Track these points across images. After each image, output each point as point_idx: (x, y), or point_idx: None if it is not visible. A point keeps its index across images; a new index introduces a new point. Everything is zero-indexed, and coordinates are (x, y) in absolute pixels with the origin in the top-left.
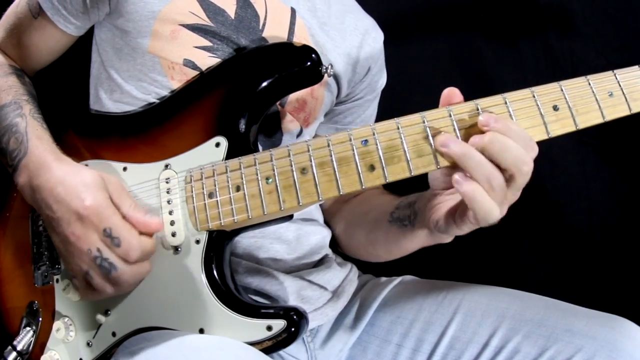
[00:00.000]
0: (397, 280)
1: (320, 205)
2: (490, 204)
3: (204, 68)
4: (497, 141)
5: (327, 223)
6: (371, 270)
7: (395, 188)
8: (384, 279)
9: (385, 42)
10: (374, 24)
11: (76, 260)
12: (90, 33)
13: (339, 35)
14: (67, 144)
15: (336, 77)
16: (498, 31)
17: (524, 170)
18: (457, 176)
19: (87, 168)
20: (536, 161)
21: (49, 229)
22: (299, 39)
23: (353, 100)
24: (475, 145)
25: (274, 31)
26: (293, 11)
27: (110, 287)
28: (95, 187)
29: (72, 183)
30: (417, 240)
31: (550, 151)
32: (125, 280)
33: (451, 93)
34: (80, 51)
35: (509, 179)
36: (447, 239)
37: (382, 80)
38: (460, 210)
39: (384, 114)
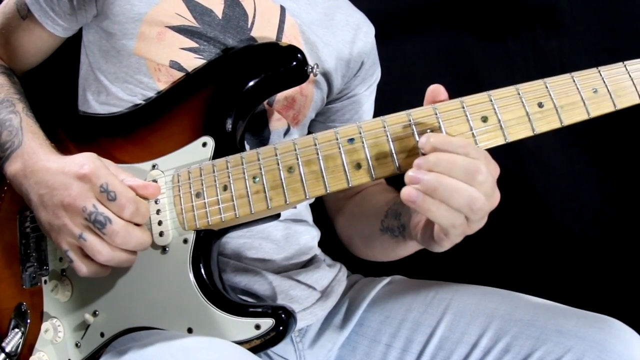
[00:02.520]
0: (386, 280)
1: (323, 202)
2: (451, 213)
3: (190, 69)
4: (441, 161)
5: (328, 220)
6: (360, 270)
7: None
8: (373, 278)
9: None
10: (364, 18)
11: (69, 225)
12: (80, 34)
13: (330, 32)
14: (57, 145)
15: (326, 75)
16: (487, 30)
17: (479, 179)
18: (406, 193)
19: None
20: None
21: (38, 211)
22: (289, 37)
23: (349, 97)
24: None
25: (263, 30)
26: (282, 9)
27: (104, 248)
28: (92, 156)
29: (69, 160)
30: (410, 249)
31: (539, 151)
32: (119, 236)
33: (436, 90)
34: (69, 53)
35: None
36: (441, 249)
37: (377, 74)
38: (431, 228)
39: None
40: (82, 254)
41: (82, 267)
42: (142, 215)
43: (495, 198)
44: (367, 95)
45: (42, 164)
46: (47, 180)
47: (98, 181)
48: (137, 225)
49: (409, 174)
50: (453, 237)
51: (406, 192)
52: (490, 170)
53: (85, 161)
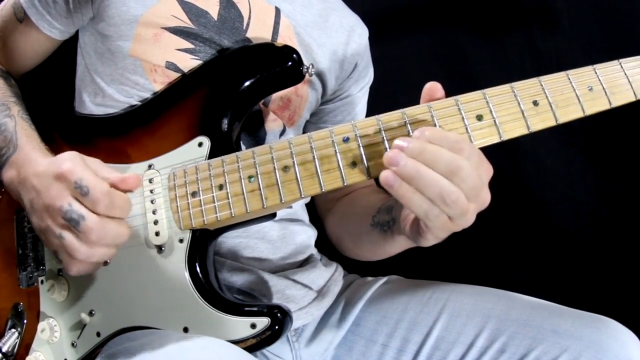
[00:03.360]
0: (383, 280)
1: (314, 202)
2: (425, 202)
3: (186, 70)
4: (427, 152)
5: (320, 220)
6: (357, 270)
7: None
8: (369, 278)
9: (369, 40)
10: (358, 20)
11: (51, 226)
12: (76, 37)
13: (324, 34)
14: (53, 146)
15: (321, 76)
16: (483, 29)
17: (461, 175)
18: (384, 176)
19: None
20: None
21: (31, 214)
22: (284, 38)
23: (342, 98)
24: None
25: (258, 31)
26: (277, 10)
27: (81, 246)
28: (73, 154)
29: (54, 160)
30: (397, 246)
31: (535, 151)
32: (94, 233)
33: (433, 88)
34: (66, 55)
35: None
36: (427, 243)
37: (370, 76)
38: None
39: (368, 110)
40: (68, 253)
41: (70, 267)
42: (120, 207)
43: (483, 198)
44: (359, 97)
45: (31, 169)
46: (35, 185)
47: (72, 177)
48: (116, 218)
49: (388, 154)
50: (435, 230)
51: (384, 174)
52: (480, 171)
53: (65, 159)
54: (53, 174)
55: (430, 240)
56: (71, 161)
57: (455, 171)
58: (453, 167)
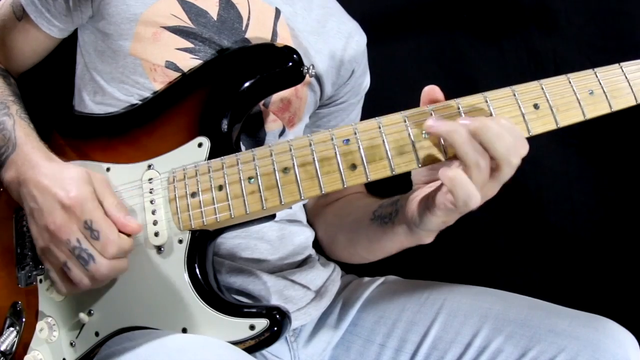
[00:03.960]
0: (380, 280)
1: (304, 206)
2: (472, 187)
3: (185, 70)
4: (491, 128)
5: (310, 225)
6: (354, 270)
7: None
8: (367, 279)
9: (369, 42)
10: (357, 27)
11: (55, 251)
12: (75, 35)
13: (321, 39)
14: (52, 145)
15: (318, 78)
16: (481, 31)
17: (513, 162)
18: (443, 168)
19: (73, 164)
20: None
21: (30, 222)
22: (282, 39)
23: (337, 104)
24: (466, 127)
25: (257, 32)
26: (277, 11)
27: (87, 280)
28: (81, 180)
29: (59, 176)
30: (397, 239)
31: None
32: (102, 274)
33: (432, 91)
34: (65, 53)
35: (495, 168)
36: (427, 238)
37: (366, 83)
38: (433, 195)
39: (367, 113)
40: (64, 276)
41: (62, 288)
42: (125, 252)
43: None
44: (354, 104)
45: (32, 174)
46: (36, 197)
47: (82, 216)
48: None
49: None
50: (449, 213)
51: (430, 122)
52: None
53: (73, 186)
54: (59, 201)
55: (438, 216)
56: (79, 189)
57: (519, 150)
58: (514, 149)
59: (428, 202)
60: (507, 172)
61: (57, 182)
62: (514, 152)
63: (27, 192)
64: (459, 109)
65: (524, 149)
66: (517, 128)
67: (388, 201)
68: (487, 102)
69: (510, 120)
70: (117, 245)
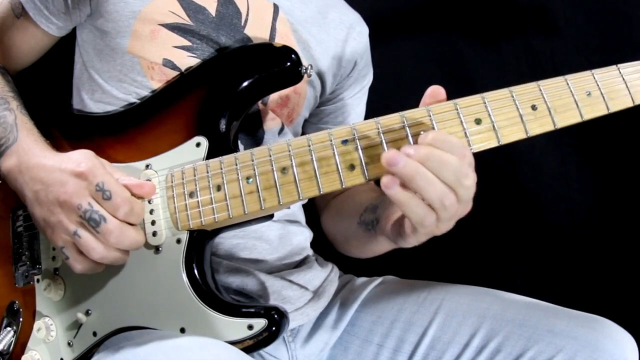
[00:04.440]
0: (378, 280)
1: (303, 206)
2: (423, 208)
3: (183, 68)
4: (434, 158)
5: (316, 221)
6: (352, 270)
7: None
8: (365, 279)
9: None
10: (358, 18)
11: (65, 222)
12: (74, 33)
13: (323, 31)
14: (52, 143)
15: (319, 73)
16: (479, 31)
17: (466, 184)
18: (385, 179)
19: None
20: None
21: (33, 207)
22: (282, 35)
23: (341, 99)
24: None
25: (256, 28)
26: (276, 7)
27: (99, 246)
28: (89, 154)
29: (65, 158)
30: (381, 246)
31: (532, 152)
32: (114, 237)
33: (435, 91)
34: (63, 52)
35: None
36: (406, 245)
37: (369, 77)
38: (401, 222)
39: (366, 113)
40: (77, 250)
41: (77, 264)
42: (137, 215)
43: (469, 205)
44: (359, 98)
45: (37, 160)
46: (43, 177)
47: (94, 179)
48: (132, 224)
49: (387, 154)
50: (420, 235)
51: (385, 179)
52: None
53: (82, 159)
54: (71, 171)
55: (410, 243)
56: (90, 161)
57: (462, 180)
58: (461, 173)
59: (400, 228)
60: (466, 193)
61: (64, 160)
62: (461, 174)
63: (31, 176)
64: (456, 109)
65: (468, 162)
66: (457, 141)
67: (371, 205)
68: (485, 102)
69: (445, 134)
70: (128, 204)
